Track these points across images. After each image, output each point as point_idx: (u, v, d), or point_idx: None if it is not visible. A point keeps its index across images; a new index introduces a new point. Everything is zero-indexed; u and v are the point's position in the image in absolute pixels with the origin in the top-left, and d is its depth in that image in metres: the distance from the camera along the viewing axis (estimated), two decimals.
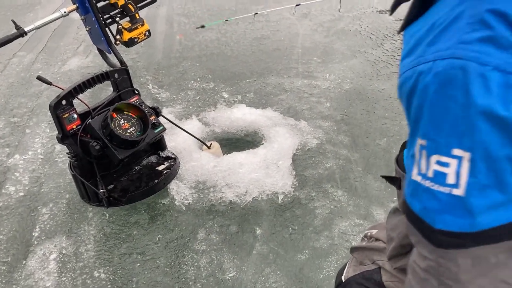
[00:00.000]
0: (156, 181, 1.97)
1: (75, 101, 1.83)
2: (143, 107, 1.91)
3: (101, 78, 1.88)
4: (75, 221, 1.89)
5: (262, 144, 2.26)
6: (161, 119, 2.01)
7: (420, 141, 0.63)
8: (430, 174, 0.62)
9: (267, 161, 2.10)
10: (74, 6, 2.77)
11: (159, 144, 2.12)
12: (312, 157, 2.19)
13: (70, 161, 1.89)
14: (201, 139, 2.22)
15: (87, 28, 2.92)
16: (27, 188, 2.08)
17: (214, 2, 4.23)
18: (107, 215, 1.91)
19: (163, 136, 2.09)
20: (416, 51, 0.63)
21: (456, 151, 0.59)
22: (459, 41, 0.58)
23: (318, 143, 2.28)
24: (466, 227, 0.59)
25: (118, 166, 1.98)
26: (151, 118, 1.92)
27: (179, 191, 1.99)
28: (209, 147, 2.20)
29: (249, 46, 3.32)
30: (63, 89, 1.80)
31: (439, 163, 0.61)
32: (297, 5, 2.61)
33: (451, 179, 0.60)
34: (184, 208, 1.93)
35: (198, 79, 2.94)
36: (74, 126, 1.81)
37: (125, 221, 1.88)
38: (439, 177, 0.61)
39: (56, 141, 2.37)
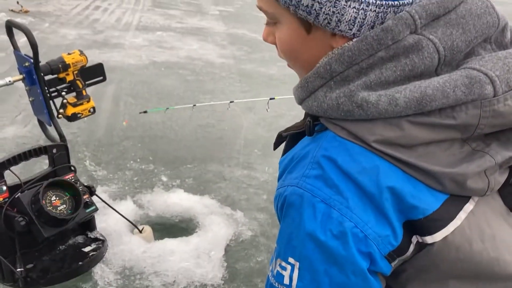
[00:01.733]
0: (80, 263, 1.88)
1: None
2: (78, 185, 1.87)
3: (38, 152, 1.85)
4: None
5: (196, 232, 2.24)
6: (94, 198, 1.97)
7: (275, 245, 0.80)
8: (275, 273, 0.78)
9: (199, 250, 2.07)
10: (21, 76, 2.77)
11: (88, 224, 2.05)
12: (245, 249, 2.20)
13: None
14: (133, 222, 2.18)
15: (30, 99, 2.91)
16: None
17: (163, 87, 4.35)
18: None
19: (94, 216, 2.03)
20: (283, 175, 0.80)
21: (291, 259, 0.75)
22: (302, 174, 0.74)
23: (252, 235, 2.30)
24: None
25: (41, 244, 1.89)
26: (85, 197, 1.88)
27: (104, 275, 1.91)
28: (140, 231, 2.16)
29: (193, 132, 3.40)
30: None
31: (280, 265, 0.77)
32: (271, 99, 2.74)
33: (286, 280, 0.75)
34: None
35: (138, 160, 2.93)
36: (1, 199, 1.73)
37: None
38: (279, 277, 0.76)
39: None
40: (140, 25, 6.93)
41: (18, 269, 1.73)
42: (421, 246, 0.74)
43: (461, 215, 0.74)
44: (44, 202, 1.72)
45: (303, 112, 0.87)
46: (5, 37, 3.53)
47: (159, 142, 3.19)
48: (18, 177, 1.81)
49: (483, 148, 0.74)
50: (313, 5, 0.72)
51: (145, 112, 3.00)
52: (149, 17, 7.44)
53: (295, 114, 3.83)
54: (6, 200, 1.74)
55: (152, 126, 3.40)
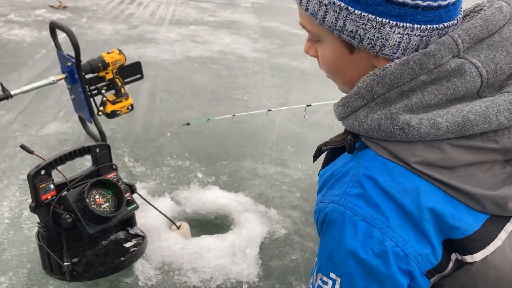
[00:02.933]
0: (122, 258, 1.96)
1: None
2: (120, 183, 1.95)
3: (82, 152, 1.93)
4: None
5: (231, 229, 2.30)
6: (134, 195, 2.05)
7: (316, 259, 0.84)
8: (316, 286, 0.81)
9: (235, 248, 2.13)
10: (63, 75, 2.88)
11: (129, 221, 2.14)
12: (279, 247, 2.24)
13: (38, 230, 1.88)
14: (171, 219, 2.25)
15: (71, 97, 3.02)
16: None
17: (197, 83, 4.41)
18: None
19: (134, 212, 2.11)
20: (323, 190, 0.84)
21: (332, 275, 0.78)
22: (343, 192, 0.77)
23: (286, 233, 2.34)
24: None
25: (86, 240, 1.98)
26: (126, 195, 1.96)
27: (144, 271, 1.99)
28: (178, 227, 2.23)
29: (226, 128, 3.45)
30: (44, 159, 1.84)
31: (321, 280, 0.80)
32: (308, 105, 2.77)
33: None
34: None
35: (175, 156, 3.01)
36: (49, 197, 1.83)
37: None
38: None
39: (24, 206, 2.37)
40: (174, 19, 7.01)
41: (65, 263, 1.82)
42: (460, 263, 0.76)
43: (502, 235, 0.75)
44: (88, 200, 1.81)
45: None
46: (46, 33, 3.60)
47: (194, 138, 3.26)
48: (64, 176, 1.90)
49: None
50: (357, 30, 0.73)
51: (188, 124, 3.09)
52: (182, 10, 7.52)
53: (328, 110, 3.84)
54: (53, 198, 1.84)
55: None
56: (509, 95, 0.70)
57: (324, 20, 0.76)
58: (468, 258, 0.74)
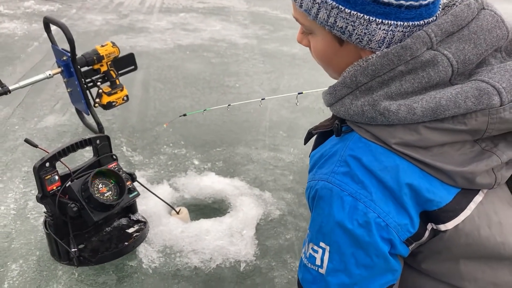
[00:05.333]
0: (126, 243, 2.07)
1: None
2: (121, 173, 2.05)
3: (84, 144, 2.02)
4: (44, 278, 1.96)
5: (228, 212, 2.41)
6: (135, 184, 2.15)
7: (308, 232, 0.93)
8: (307, 255, 0.91)
9: (232, 229, 2.24)
10: (59, 70, 2.96)
11: (131, 208, 2.25)
12: (274, 227, 2.36)
13: (45, 219, 1.98)
14: (171, 204, 2.36)
15: (68, 90, 3.10)
16: None
17: (190, 71, 4.48)
18: (76, 274, 1.99)
19: (135, 200, 2.21)
20: (313, 169, 0.93)
21: (322, 244, 0.88)
22: (331, 171, 0.86)
23: (280, 214, 2.45)
24: None
25: (91, 227, 2.08)
26: (127, 183, 2.06)
27: (147, 254, 2.10)
28: (177, 212, 2.34)
29: (220, 115, 3.54)
30: (47, 152, 1.93)
31: (312, 249, 0.90)
32: (299, 93, 2.86)
33: (318, 261, 0.88)
34: (151, 271, 2.03)
35: (171, 144, 3.11)
36: (55, 187, 1.92)
37: (94, 281, 1.96)
38: (311, 259, 0.90)
39: (28, 197, 2.46)
40: (163, 7, 7.04)
41: (73, 249, 1.93)
42: (435, 232, 0.86)
43: (471, 206, 0.85)
44: (92, 189, 1.91)
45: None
46: (36, 26, 3.59)
47: (189, 127, 3.35)
48: (68, 167, 1.99)
49: (491, 148, 0.84)
50: (347, 27, 0.82)
51: (184, 115, 3.17)
52: None
53: (319, 95, 3.94)
54: (58, 188, 1.93)
55: (181, 111, 3.55)
56: (476, 83, 0.79)
57: (317, 17, 0.84)
58: (442, 227, 0.85)
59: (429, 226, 0.86)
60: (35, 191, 2.37)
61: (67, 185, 1.94)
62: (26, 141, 1.95)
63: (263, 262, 2.12)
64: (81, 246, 2.04)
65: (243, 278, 2.02)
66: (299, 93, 2.87)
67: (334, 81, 0.94)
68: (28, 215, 2.34)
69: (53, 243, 2.00)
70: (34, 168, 1.86)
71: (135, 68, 3.26)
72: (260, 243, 2.24)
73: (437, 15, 0.86)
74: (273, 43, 5.51)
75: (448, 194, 0.83)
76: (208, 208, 2.52)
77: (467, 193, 0.85)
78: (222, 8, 7.14)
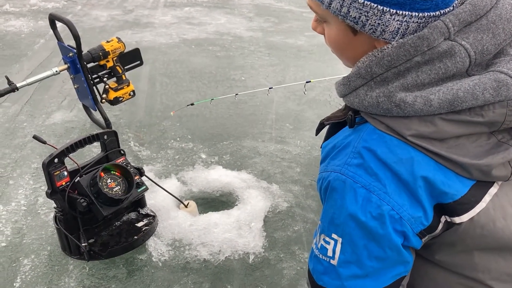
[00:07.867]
0: (135, 237, 2.10)
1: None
2: (129, 167, 2.07)
3: (92, 139, 2.04)
4: (56, 273, 1.98)
5: (236, 205, 2.42)
6: (143, 178, 2.17)
7: (319, 222, 0.92)
8: (319, 246, 0.90)
9: (240, 222, 2.26)
10: (66, 66, 2.97)
11: (139, 202, 2.27)
12: (282, 219, 2.37)
13: (55, 214, 2.00)
14: (179, 198, 2.38)
15: (75, 86, 3.12)
16: (9, 239, 2.17)
17: (195, 65, 4.49)
18: (87, 268, 2.01)
19: (144, 194, 2.23)
20: (326, 160, 0.91)
21: (334, 235, 0.87)
22: (345, 162, 0.85)
23: (288, 206, 2.46)
24: (337, 287, 0.87)
25: (100, 221, 2.11)
26: (135, 178, 2.07)
27: (157, 247, 2.12)
28: (186, 206, 2.35)
29: (226, 108, 3.55)
30: (56, 148, 1.95)
31: (324, 240, 0.89)
32: (307, 82, 2.85)
33: (330, 253, 0.88)
34: (160, 264, 2.05)
35: (178, 139, 3.12)
36: (64, 183, 1.94)
37: (104, 275, 1.99)
38: (323, 250, 0.89)
39: (38, 193, 2.49)
40: (168, 1, 7.03)
41: (83, 244, 1.95)
42: (449, 225, 0.85)
43: (486, 198, 0.84)
44: (101, 184, 1.93)
45: (331, 84, 0.95)
46: (42, 23, 3.60)
47: (196, 121, 3.36)
48: (76, 163, 2.01)
49: (508, 140, 0.83)
50: (360, 17, 0.80)
51: (192, 104, 3.17)
52: None
53: (325, 86, 3.93)
54: (68, 184, 1.95)
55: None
56: (494, 74, 0.77)
57: (330, 6, 0.83)
58: (457, 219, 0.83)
59: (443, 219, 0.85)
60: (44, 187, 2.40)
61: (76, 180, 1.96)
62: (35, 137, 1.97)
63: (272, 254, 2.13)
64: (91, 240, 2.06)
65: (252, 270, 2.04)
66: (307, 82, 2.86)
67: (337, 73, 0.93)
68: (39, 211, 2.36)
69: (63, 238, 2.03)
70: (43, 164, 1.88)
71: (141, 63, 3.27)
72: (268, 235, 2.25)
73: (455, 5, 0.83)
74: (278, 36, 5.50)
75: (463, 186, 0.82)
76: (216, 201, 2.53)
77: (482, 185, 0.84)
78: (226, 1, 7.12)
